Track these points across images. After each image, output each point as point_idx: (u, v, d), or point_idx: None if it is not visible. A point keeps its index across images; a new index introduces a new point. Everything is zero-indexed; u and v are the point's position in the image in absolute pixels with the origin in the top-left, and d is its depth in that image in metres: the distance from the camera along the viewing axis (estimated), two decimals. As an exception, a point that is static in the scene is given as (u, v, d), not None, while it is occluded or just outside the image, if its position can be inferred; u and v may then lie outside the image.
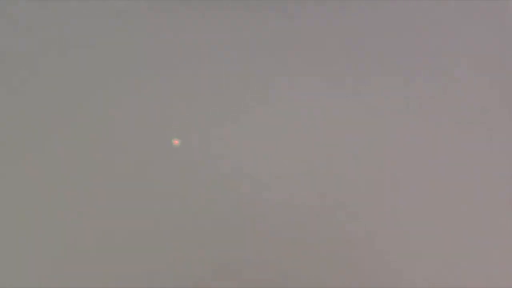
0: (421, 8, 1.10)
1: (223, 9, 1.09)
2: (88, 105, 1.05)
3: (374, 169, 1.06)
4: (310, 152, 1.06)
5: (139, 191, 1.04)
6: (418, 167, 1.06)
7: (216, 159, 1.05)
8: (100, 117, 1.05)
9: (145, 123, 1.05)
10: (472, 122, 1.07)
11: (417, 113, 1.07)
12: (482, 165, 1.06)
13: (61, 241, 1.03)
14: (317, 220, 1.04)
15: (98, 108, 1.06)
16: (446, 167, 1.06)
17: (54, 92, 1.06)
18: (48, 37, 1.07)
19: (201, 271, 1.03)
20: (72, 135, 1.05)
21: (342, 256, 1.04)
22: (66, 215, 1.03)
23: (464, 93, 1.08)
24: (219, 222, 1.04)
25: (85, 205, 1.03)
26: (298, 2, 1.10)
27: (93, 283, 1.02)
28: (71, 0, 1.07)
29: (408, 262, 1.04)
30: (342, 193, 1.05)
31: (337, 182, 1.05)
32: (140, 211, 1.03)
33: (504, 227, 1.05)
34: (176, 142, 1.03)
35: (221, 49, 1.08)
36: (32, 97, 1.06)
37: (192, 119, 1.06)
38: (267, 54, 1.08)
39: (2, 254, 1.02)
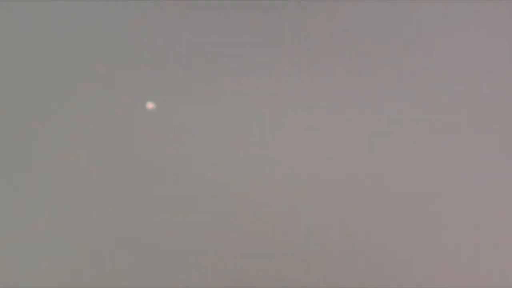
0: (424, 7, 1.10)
1: (219, 9, 1.08)
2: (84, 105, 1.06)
3: (375, 169, 1.06)
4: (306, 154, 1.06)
5: (138, 194, 1.04)
6: (422, 166, 1.06)
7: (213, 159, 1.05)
8: (100, 116, 1.05)
9: (143, 124, 1.05)
10: (479, 120, 1.07)
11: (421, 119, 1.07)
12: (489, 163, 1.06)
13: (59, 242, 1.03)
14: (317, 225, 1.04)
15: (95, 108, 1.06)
16: (449, 165, 1.06)
17: (49, 92, 1.06)
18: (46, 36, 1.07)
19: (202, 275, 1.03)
20: (72, 138, 1.05)
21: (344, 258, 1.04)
22: (64, 216, 1.03)
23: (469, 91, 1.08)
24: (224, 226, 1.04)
25: (85, 209, 1.03)
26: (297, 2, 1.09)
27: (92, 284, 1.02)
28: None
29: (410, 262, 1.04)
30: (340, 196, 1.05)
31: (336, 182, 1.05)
32: (141, 212, 1.04)
33: (504, 227, 1.05)
34: (150, 106, 1.03)
35: (218, 47, 1.07)
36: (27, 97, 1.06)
37: (188, 118, 1.06)
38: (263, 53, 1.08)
39: (2, 255, 1.02)
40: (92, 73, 1.06)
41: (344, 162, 1.06)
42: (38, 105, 1.05)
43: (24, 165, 1.04)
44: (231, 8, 1.08)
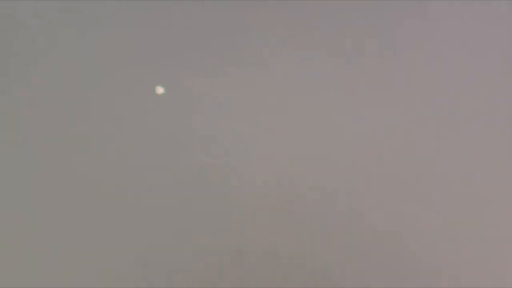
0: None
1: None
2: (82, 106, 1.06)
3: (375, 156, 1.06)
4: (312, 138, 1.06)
5: (137, 185, 1.04)
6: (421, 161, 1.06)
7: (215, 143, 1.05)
8: (96, 116, 1.06)
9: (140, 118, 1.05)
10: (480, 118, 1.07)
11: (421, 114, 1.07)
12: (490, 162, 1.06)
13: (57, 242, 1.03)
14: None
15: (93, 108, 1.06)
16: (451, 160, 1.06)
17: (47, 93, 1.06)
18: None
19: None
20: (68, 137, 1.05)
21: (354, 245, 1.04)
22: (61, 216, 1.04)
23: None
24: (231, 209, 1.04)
25: (84, 203, 1.04)
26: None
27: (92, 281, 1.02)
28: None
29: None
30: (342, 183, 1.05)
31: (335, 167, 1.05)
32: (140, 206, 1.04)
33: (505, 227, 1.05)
34: (160, 90, 1.03)
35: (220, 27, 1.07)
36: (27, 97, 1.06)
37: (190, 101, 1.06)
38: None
39: (2, 254, 1.02)
40: (93, 65, 1.07)
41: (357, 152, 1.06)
42: (43, 106, 1.06)
43: (27, 165, 1.04)
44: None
